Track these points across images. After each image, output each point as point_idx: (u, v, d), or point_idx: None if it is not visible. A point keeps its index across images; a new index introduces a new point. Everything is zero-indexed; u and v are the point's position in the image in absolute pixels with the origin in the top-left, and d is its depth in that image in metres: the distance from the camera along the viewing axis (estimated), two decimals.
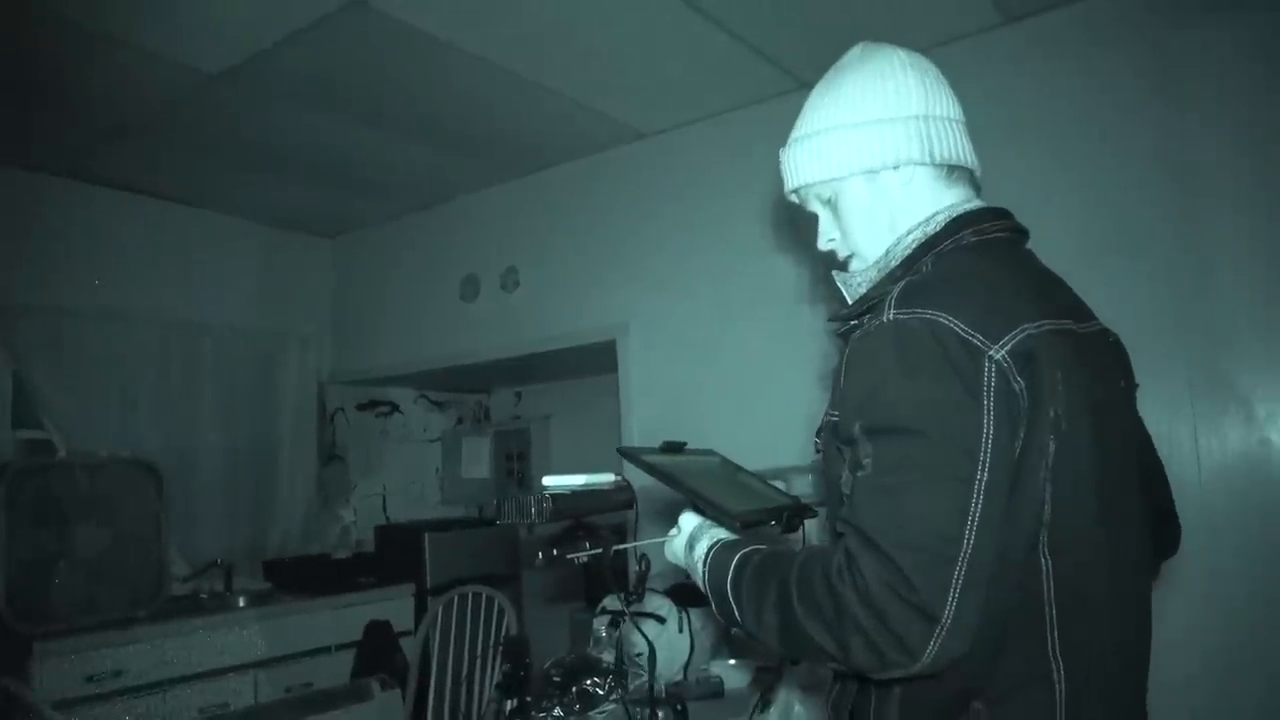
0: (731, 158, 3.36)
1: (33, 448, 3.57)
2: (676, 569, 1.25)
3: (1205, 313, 2.46)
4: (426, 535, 4.30)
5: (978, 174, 1.21)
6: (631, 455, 1.28)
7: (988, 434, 0.91)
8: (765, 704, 1.79)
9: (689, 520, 1.23)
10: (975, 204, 1.16)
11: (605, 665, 2.22)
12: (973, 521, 0.88)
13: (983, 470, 0.90)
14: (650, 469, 1.25)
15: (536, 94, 3.17)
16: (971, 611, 0.88)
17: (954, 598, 0.86)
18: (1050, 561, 0.97)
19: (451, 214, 4.32)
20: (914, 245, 1.12)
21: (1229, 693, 2.36)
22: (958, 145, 1.15)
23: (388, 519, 4.71)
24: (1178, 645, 2.42)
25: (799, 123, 1.21)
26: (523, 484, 5.07)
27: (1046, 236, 2.66)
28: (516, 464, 5.09)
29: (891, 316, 0.98)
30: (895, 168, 1.13)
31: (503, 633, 3.30)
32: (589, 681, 2.12)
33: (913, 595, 0.86)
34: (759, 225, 3.28)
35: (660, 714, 1.90)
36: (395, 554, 4.33)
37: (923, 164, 1.13)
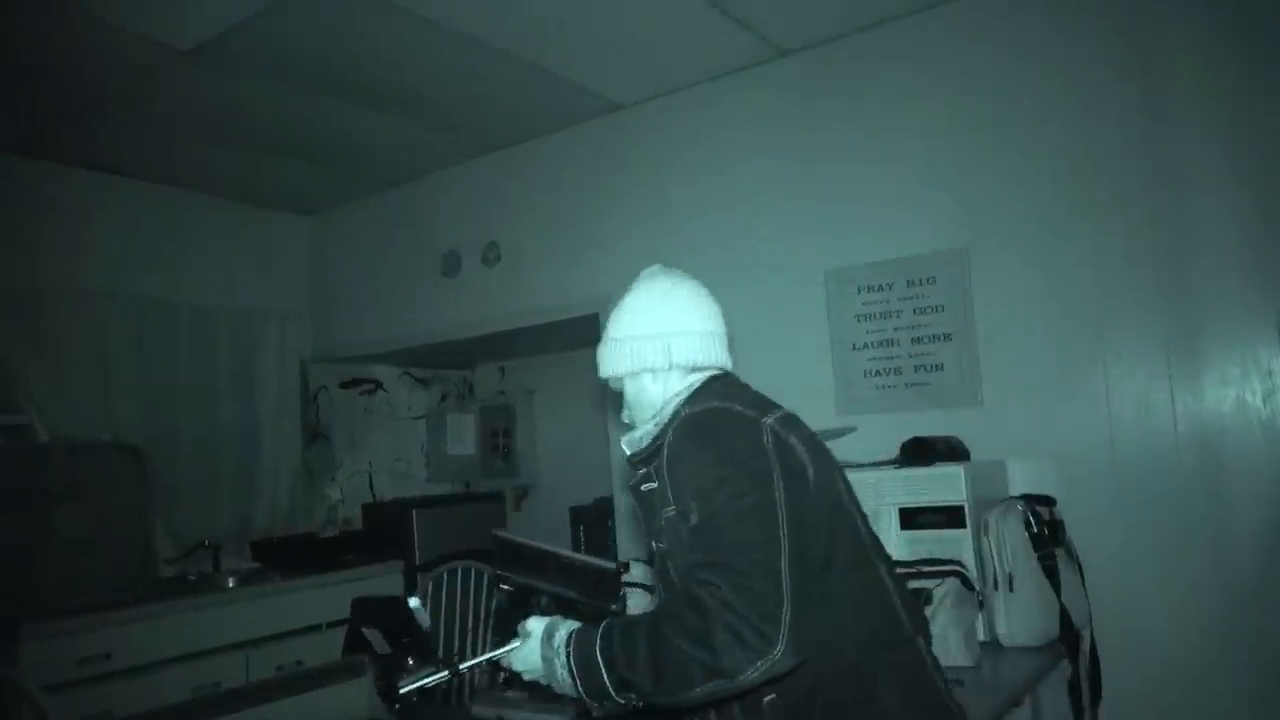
0: (710, 127, 3.35)
1: (13, 433, 3.54)
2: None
3: (1183, 272, 2.49)
4: (415, 512, 4.32)
5: (725, 361, 1.53)
6: (502, 543, 1.50)
7: (773, 464, 1.19)
8: None
9: (537, 622, 1.31)
10: (708, 374, 1.48)
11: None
12: (783, 533, 1.13)
13: (779, 490, 1.17)
14: (522, 553, 1.43)
15: (512, 65, 3.14)
16: (802, 607, 1.10)
17: (788, 592, 1.09)
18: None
19: (429, 189, 4.28)
20: (675, 402, 1.42)
21: (1197, 630, 2.42)
22: (697, 352, 1.47)
23: (374, 497, 4.71)
24: (1153, 596, 2.49)
25: (609, 325, 1.55)
26: (508, 459, 5.08)
27: (1025, 199, 2.70)
28: (502, 440, 5.10)
29: (684, 414, 1.32)
30: (652, 370, 1.47)
31: (493, 605, 3.32)
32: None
33: (756, 585, 1.08)
34: (739, 195, 3.27)
35: None
36: (383, 531, 4.35)
37: (666, 369, 1.46)
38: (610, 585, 1.34)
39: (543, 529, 4.88)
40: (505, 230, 3.98)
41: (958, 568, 2.19)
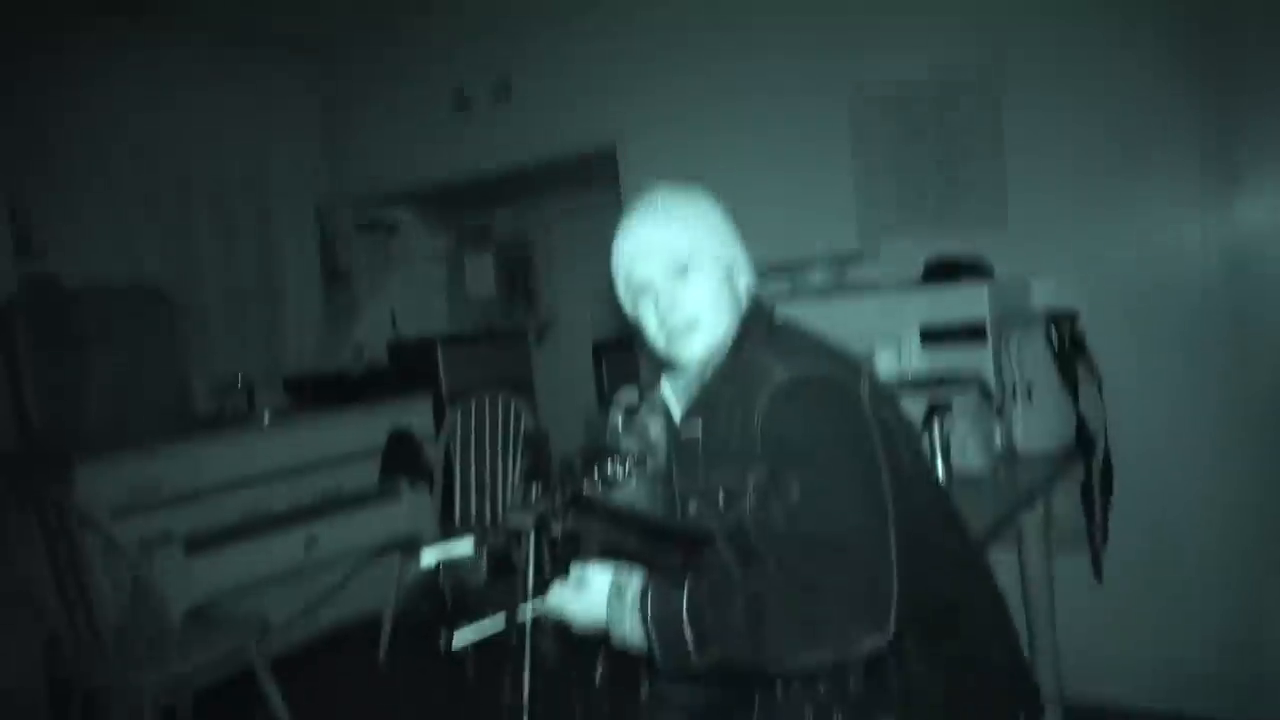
0: None
1: (40, 280, 3.58)
2: None
3: (1223, 83, 2.40)
4: (439, 346, 4.40)
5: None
6: (589, 504, 1.34)
7: (878, 446, 1.15)
8: None
9: (598, 572, 1.22)
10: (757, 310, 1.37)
11: (624, 451, 2.32)
12: (889, 510, 1.11)
13: (884, 473, 1.13)
14: (610, 516, 1.30)
15: None
16: (899, 585, 1.08)
17: (896, 571, 1.07)
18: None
19: (437, 23, 4.12)
20: (744, 340, 1.31)
21: (1210, 442, 2.50)
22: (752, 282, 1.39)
23: (398, 336, 4.79)
24: (1169, 408, 2.54)
25: (666, 205, 1.35)
26: (528, 298, 5.12)
27: (1057, 11, 2.58)
28: (520, 279, 5.12)
29: (782, 379, 1.19)
30: (731, 275, 1.35)
31: (520, 432, 3.44)
32: (609, 465, 2.21)
33: (871, 569, 1.07)
34: (760, 25, 3.14)
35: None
36: (410, 367, 4.45)
37: (744, 277, 1.37)
38: (693, 546, 1.26)
39: (564, 364, 4.98)
40: (517, 64, 3.85)
41: (978, 379, 2.23)
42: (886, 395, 1.27)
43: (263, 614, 2.90)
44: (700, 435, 1.30)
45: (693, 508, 1.30)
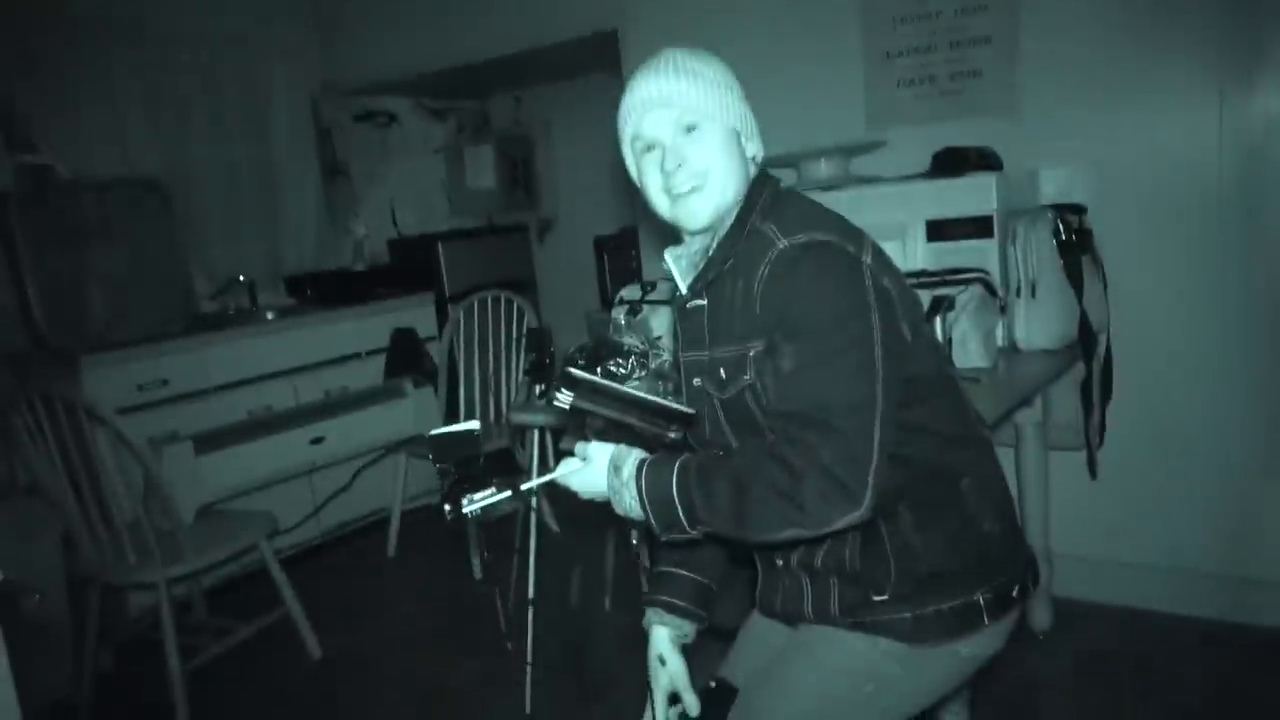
0: None
1: (36, 172, 3.52)
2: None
3: None
4: (440, 244, 4.36)
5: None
6: (576, 381, 1.27)
7: (875, 317, 1.13)
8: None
9: (599, 449, 1.25)
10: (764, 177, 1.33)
11: (627, 348, 2.32)
12: (880, 387, 1.11)
13: (878, 346, 1.12)
14: (602, 393, 1.26)
15: None
16: (885, 461, 1.09)
17: (878, 448, 1.08)
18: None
19: None
20: (750, 208, 1.28)
21: (1215, 344, 2.49)
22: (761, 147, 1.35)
23: (399, 232, 4.74)
24: (1174, 307, 2.52)
25: (680, 60, 1.28)
26: (529, 190, 5.04)
27: None
28: (521, 171, 5.03)
29: (785, 245, 1.17)
30: (742, 137, 1.30)
31: (523, 330, 3.44)
32: (613, 363, 2.21)
33: (851, 447, 1.07)
34: None
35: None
36: (411, 265, 4.42)
37: (754, 140, 1.32)
38: (679, 423, 1.26)
39: (567, 260, 4.94)
40: None
41: (982, 275, 2.21)
42: (889, 264, 1.23)
43: (272, 513, 2.97)
44: (706, 307, 1.29)
45: (697, 383, 1.30)
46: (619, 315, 2.69)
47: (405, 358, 3.99)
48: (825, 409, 1.10)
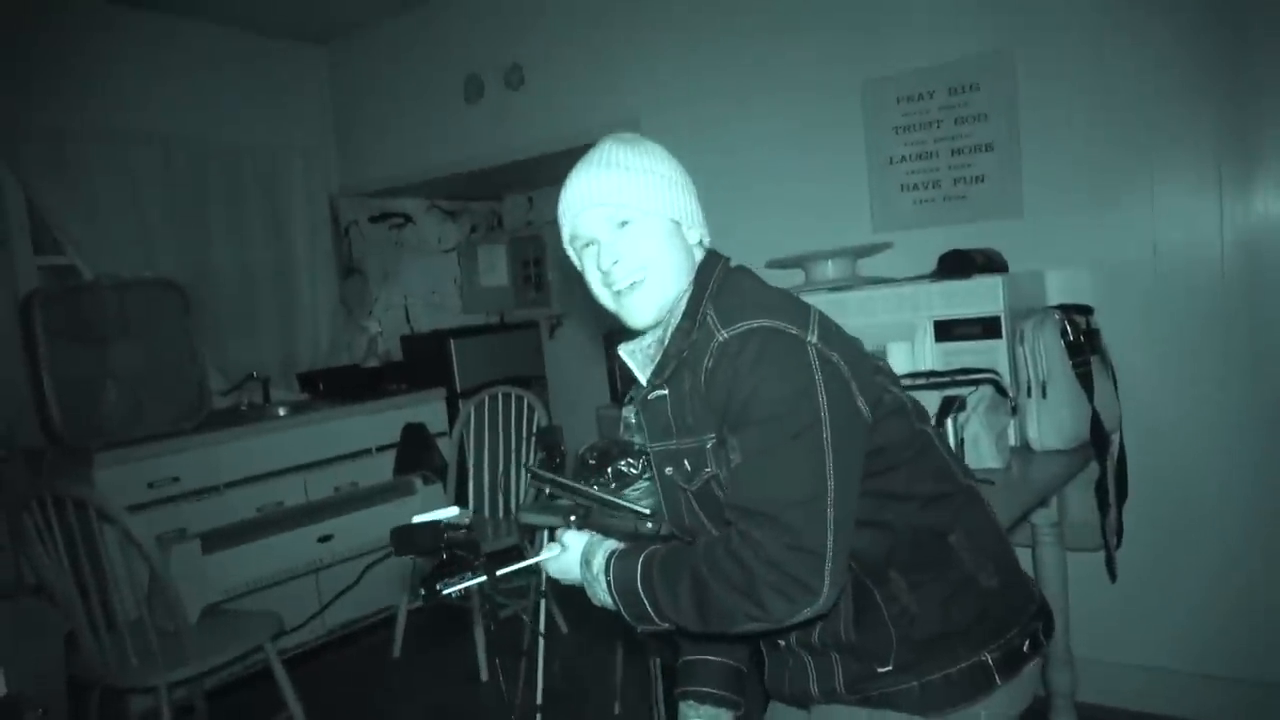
0: None
1: (58, 273, 3.61)
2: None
3: (1239, 73, 2.36)
4: (452, 341, 4.42)
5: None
6: (544, 479, 1.38)
7: (822, 397, 1.09)
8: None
9: (575, 538, 1.28)
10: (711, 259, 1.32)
11: (637, 447, 2.32)
12: (831, 474, 1.08)
13: (826, 429, 1.08)
14: (565, 489, 1.34)
15: None
16: (846, 544, 1.08)
17: (834, 540, 1.06)
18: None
19: (447, 10, 4.10)
20: (700, 295, 1.26)
21: (1226, 441, 2.47)
22: (705, 231, 1.34)
23: (412, 329, 4.80)
24: (1185, 406, 2.52)
25: (612, 155, 1.30)
26: (540, 289, 5.12)
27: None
28: (533, 270, 5.12)
29: (725, 338, 1.15)
30: (681, 226, 1.29)
31: (533, 427, 3.45)
32: (624, 462, 2.21)
33: (803, 541, 1.05)
34: (774, 11, 3.11)
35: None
36: (423, 361, 4.47)
37: (696, 229, 1.31)
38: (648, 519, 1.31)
39: (577, 356, 4.98)
40: (528, 52, 3.83)
41: (993, 375, 2.22)
42: (841, 337, 1.20)
43: (278, 613, 2.92)
44: (668, 397, 1.26)
45: (669, 472, 1.29)
46: (629, 414, 2.70)
47: (415, 453, 3.99)
48: (773, 502, 1.07)
